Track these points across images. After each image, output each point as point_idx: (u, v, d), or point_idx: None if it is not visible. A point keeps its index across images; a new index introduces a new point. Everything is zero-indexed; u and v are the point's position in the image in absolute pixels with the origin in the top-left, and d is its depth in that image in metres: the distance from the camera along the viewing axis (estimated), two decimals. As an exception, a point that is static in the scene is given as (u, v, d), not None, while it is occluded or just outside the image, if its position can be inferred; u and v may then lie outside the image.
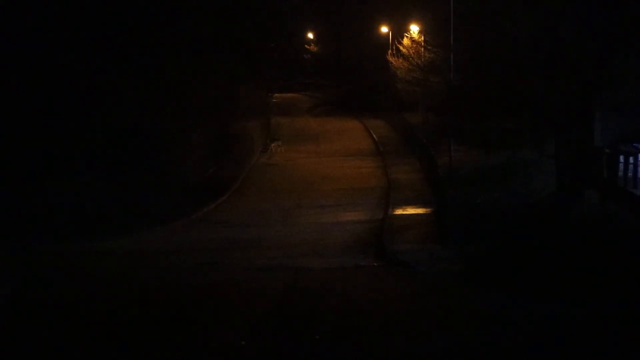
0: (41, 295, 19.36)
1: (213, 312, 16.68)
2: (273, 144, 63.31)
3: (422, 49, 60.17)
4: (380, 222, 35.52)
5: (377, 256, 28.14)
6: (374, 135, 69.93)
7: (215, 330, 14.82)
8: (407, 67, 63.07)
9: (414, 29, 63.86)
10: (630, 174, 30.91)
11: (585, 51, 28.35)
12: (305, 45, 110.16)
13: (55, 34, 37.86)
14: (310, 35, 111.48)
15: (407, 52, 63.65)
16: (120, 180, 39.83)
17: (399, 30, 68.67)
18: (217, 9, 48.78)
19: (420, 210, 37.56)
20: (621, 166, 30.97)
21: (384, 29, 78.47)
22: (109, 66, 39.24)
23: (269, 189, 48.31)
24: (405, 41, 64.49)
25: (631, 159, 30.77)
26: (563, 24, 28.64)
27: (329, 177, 51.22)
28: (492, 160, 43.10)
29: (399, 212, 37.69)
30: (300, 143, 65.97)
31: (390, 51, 69.15)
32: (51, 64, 37.90)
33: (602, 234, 22.79)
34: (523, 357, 12.62)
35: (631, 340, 13.31)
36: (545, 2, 29.53)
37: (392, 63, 67.02)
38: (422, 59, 59.80)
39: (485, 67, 33.38)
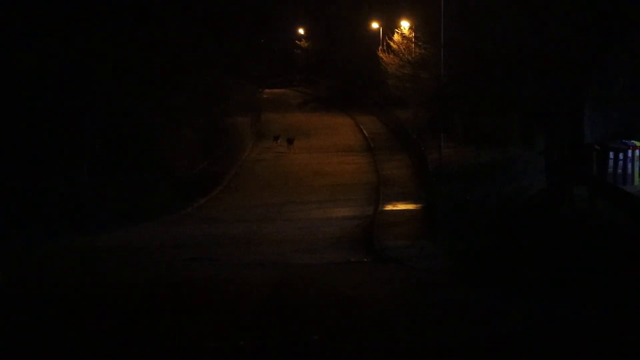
0: (30, 290, 19.33)
1: (202, 308, 16.67)
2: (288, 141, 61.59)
3: (413, 44, 60.15)
4: (371, 218, 35.56)
5: (367, 252, 28.17)
6: (365, 131, 69.96)
7: (204, 325, 14.81)
8: (398, 63, 63.01)
9: (405, 24, 63.84)
10: (619, 171, 30.98)
11: (575, 48, 28.39)
12: (296, 41, 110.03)
13: (48, 31, 37.82)
14: (301, 31, 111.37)
15: (397, 48, 63.62)
16: (110, 176, 39.80)
17: (390, 26, 68.62)
18: (208, 5, 48.76)
19: (410, 206, 37.62)
20: (611, 163, 31.03)
21: (375, 25, 78.43)
22: (99, 63, 39.18)
23: (259, 184, 48.31)
24: (396, 37, 64.45)
25: (621, 156, 30.84)
26: (552, 20, 28.67)
27: (319, 173, 51.23)
28: (482, 157, 43.19)
29: (389, 208, 37.75)
30: (290, 139, 65.92)
31: (380, 47, 69.12)
32: (42, 59, 37.83)
33: (592, 230, 22.84)
34: (513, 353, 12.64)
35: (619, 336, 13.35)
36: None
37: (382, 59, 66.98)
38: (413, 55, 59.76)
39: (474, 64, 33.38)
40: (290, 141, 60.61)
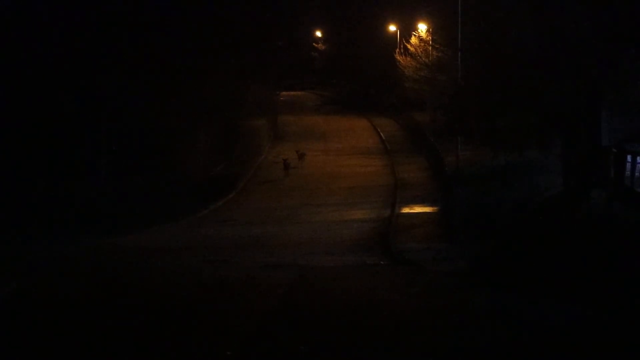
0: (46, 291, 19.39)
1: (219, 309, 16.70)
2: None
3: (430, 47, 60.11)
4: (387, 220, 35.54)
5: (384, 255, 28.15)
6: (382, 134, 69.94)
7: (221, 326, 14.85)
8: (415, 65, 63.00)
9: (422, 27, 63.79)
10: (637, 174, 30.85)
11: (593, 51, 28.31)
12: (313, 44, 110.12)
13: (62, 33, 38.03)
14: (319, 34, 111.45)
15: (415, 50, 63.59)
16: (128, 179, 39.97)
17: (407, 29, 68.62)
18: (225, 8, 48.87)
19: (427, 209, 37.59)
20: (628, 166, 30.91)
21: (392, 28, 78.43)
22: (116, 66, 39.38)
23: (276, 187, 48.34)
24: (413, 40, 64.42)
25: (638, 159, 30.69)
26: (569, 23, 28.59)
27: (336, 175, 51.23)
28: (499, 160, 43.04)
29: (406, 210, 37.72)
30: (307, 141, 65.92)
31: (398, 50, 69.12)
32: (58, 63, 38.06)
33: (609, 234, 22.74)
34: (530, 356, 12.63)
35: (636, 340, 13.32)
36: (552, 1, 29.49)
37: (400, 62, 66.97)
38: (430, 58, 59.75)
39: (491, 67, 33.34)
40: (301, 156, 55.80)
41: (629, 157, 30.73)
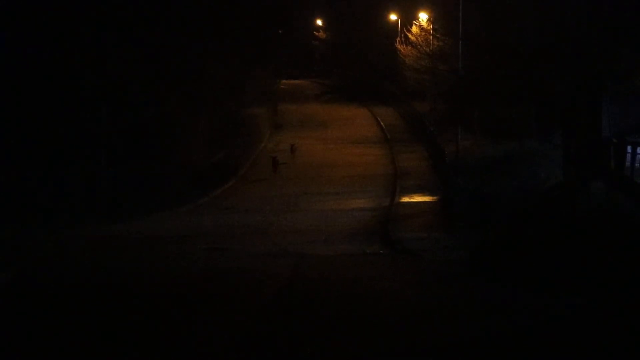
0: (43, 280, 19.38)
1: (217, 298, 16.70)
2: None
3: (431, 37, 59.95)
4: (387, 209, 35.56)
5: (383, 244, 28.17)
6: (382, 123, 69.89)
7: (218, 316, 14.85)
8: (416, 55, 62.84)
9: (423, 17, 63.61)
10: (637, 165, 30.87)
11: (593, 41, 28.28)
12: (314, 32, 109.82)
13: (62, 21, 37.98)
14: (319, 22, 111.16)
15: (415, 40, 63.41)
16: (127, 166, 39.94)
17: (408, 18, 68.43)
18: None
19: (427, 198, 37.60)
20: (628, 157, 30.93)
21: (393, 17, 78.27)
22: (116, 53, 39.31)
23: (275, 175, 48.32)
24: (414, 29, 64.25)
25: (638, 150, 30.71)
26: (570, 12, 28.57)
27: (336, 164, 51.23)
28: (499, 149, 43.09)
29: (405, 199, 37.74)
30: (307, 130, 65.94)
31: (399, 39, 68.96)
32: (57, 51, 38.02)
33: (609, 224, 22.74)
34: (528, 347, 12.64)
35: (634, 332, 13.32)
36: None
37: (400, 51, 66.83)
38: (431, 47, 59.58)
39: (492, 57, 33.31)
40: (292, 149, 54.57)
41: (629, 148, 30.75)
